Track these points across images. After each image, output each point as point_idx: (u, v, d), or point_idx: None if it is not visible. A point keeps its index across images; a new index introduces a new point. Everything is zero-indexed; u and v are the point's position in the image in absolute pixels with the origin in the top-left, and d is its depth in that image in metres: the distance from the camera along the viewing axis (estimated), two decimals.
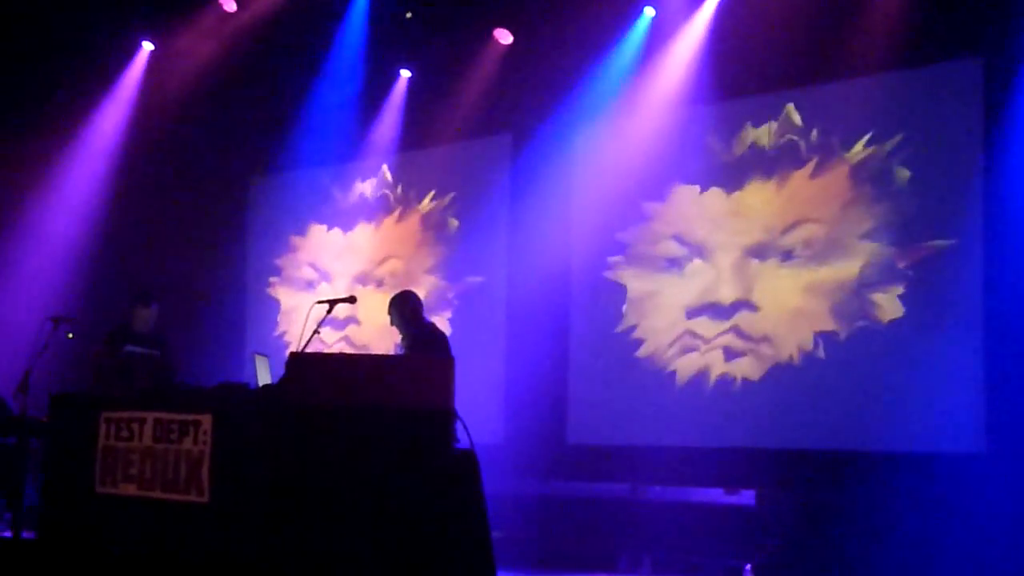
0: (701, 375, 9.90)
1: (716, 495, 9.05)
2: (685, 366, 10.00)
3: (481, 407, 10.03)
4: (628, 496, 9.42)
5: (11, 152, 11.66)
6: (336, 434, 5.85)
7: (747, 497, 8.91)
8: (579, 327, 10.76)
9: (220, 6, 11.20)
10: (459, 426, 5.80)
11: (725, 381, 9.76)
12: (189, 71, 11.69)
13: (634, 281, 10.40)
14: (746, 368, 9.67)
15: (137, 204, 12.50)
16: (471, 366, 9.83)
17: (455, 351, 7.48)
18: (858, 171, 9.28)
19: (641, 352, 10.27)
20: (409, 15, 10.99)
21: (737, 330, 9.75)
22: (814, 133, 9.54)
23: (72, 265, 12.08)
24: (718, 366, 9.81)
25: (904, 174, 9.07)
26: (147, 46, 11.98)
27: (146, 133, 12.31)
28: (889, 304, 9.04)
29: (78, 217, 12.25)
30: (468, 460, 5.72)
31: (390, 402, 5.77)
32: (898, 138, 9.13)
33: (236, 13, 11.22)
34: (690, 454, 9.67)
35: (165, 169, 12.65)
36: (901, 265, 9.00)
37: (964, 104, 8.89)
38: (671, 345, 10.11)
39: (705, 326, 9.92)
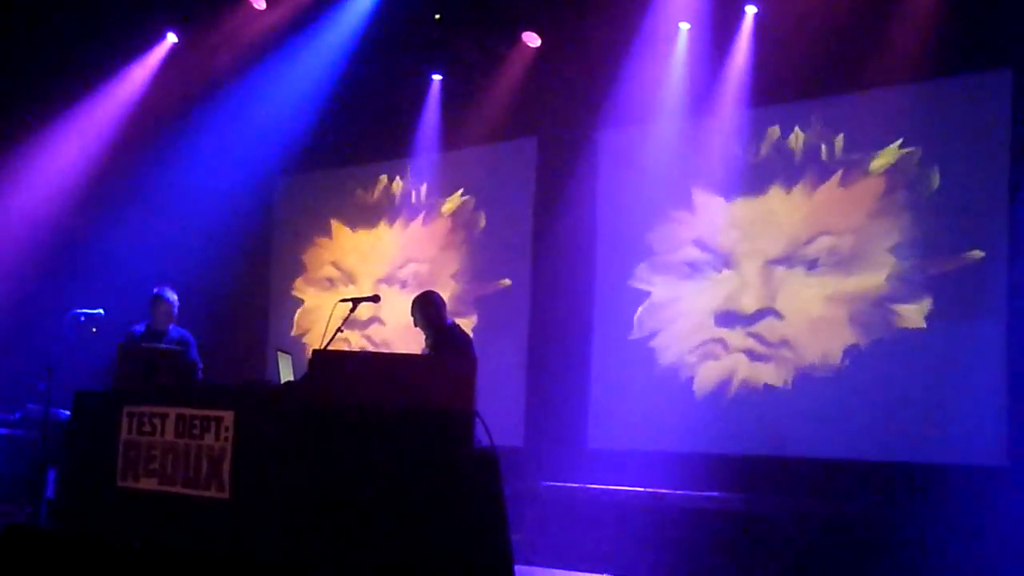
0: (722, 382, 9.89)
1: (736, 502, 9.01)
2: (706, 373, 9.99)
3: (502, 409, 10.06)
4: (647, 502, 9.39)
5: (23, 135, 11.73)
6: (357, 432, 5.86)
7: (767, 505, 8.88)
8: (601, 332, 10.75)
9: (250, 3, 11.23)
10: (480, 427, 5.79)
11: (746, 389, 9.75)
12: (217, 67, 11.71)
13: (657, 287, 10.40)
14: (767, 377, 9.66)
15: (159, 199, 12.53)
16: (493, 369, 9.88)
17: (478, 353, 7.48)
18: (885, 181, 9.26)
19: (662, 358, 10.27)
20: (437, 17, 10.98)
21: (759, 338, 9.74)
22: (842, 143, 9.52)
23: (92, 260, 12.12)
24: (739, 374, 9.81)
25: (931, 185, 9.05)
26: (171, 38, 12.01)
27: (170, 127, 12.34)
28: (913, 316, 9.02)
29: (93, 210, 12.29)
30: (488, 461, 5.72)
31: (412, 401, 5.78)
32: (926, 149, 9.10)
33: (265, 11, 11.24)
34: (710, 460, 9.65)
35: (190, 164, 12.67)
36: (926, 276, 8.98)
37: (993, 115, 8.85)
38: (693, 352, 10.10)
39: (727, 333, 9.92)
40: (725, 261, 10.02)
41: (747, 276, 9.88)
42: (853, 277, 9.33)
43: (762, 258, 9.81)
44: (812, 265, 9.55)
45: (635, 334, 10.49)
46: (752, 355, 9.77)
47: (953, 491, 8.35)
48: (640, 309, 10.48)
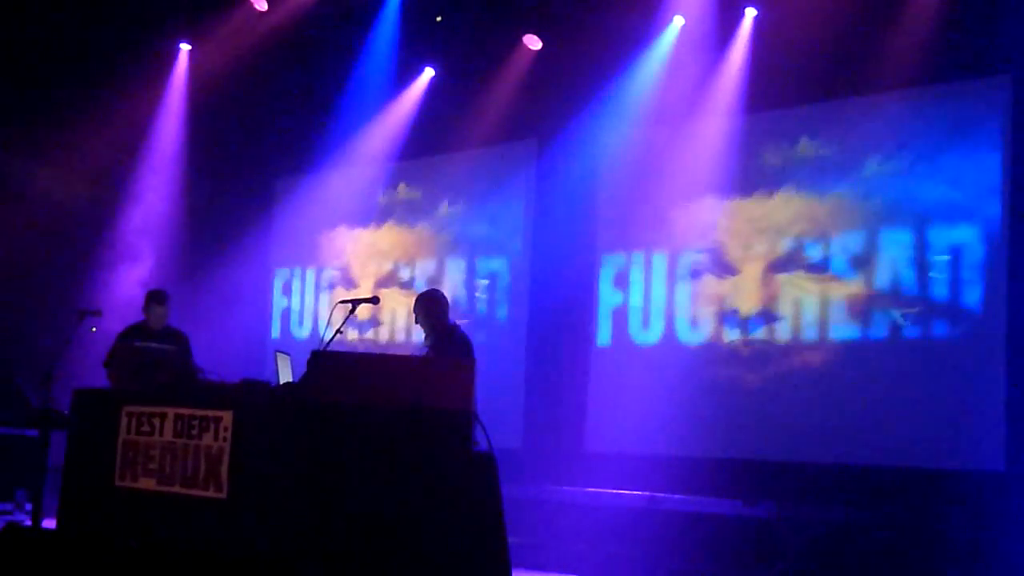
0: (721, 385, 9.89)
1: (734, 507, 9.02)
2: (705, 376, 10.00)
3: (501, 412, 10.06)
4: (645, 505, 9.39)
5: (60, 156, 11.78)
6: (356, 433, 5.85)
7: (765, 510, 8.88)
8: (601, 335, 10.76)
9: (251, 5, 11.24)
10: (478, 429, 5.79)
11: (745, 392, 9.76)
12: (218, 70, 11.73)
13: (658, 289, 10.40)
14: (766, 380, 9.67)
15: (163, 201, 12.59)
16: (492, 370, 9.89)
17: (476, 355, 7.48)
18: (883, 186, 9.27)
19: (662, 360, 10.27)
20: (439, 19, 11.00)
21: (759, 341, 9.75)
22: (841, 147, 9.53)
23: (100, 259, 12.18)
24: (738, 377, 9.81)
25: (929, 189, 9.06)
26: (185, 47, 12.08)
27: (175, 131, 12.39)
28: (912, 321, 9.03)
29: (95, 213, 12.36)
30: (487, 463, 5.71)
31: (411, 402, 5.77)
32: (924, 153, 9.12)
33: (267, 13, 11.26)
34: (708, 465, 9.66)
35: (192, 167, 12.71)
36: (925, 282, 8.99)
37: (992, 120, 8.87)
38: (692, 354, 10.11)
39: (727, 336, 9.93)
40: (725, 264, 10.03)
41: (747, 279, 9.89)
42: (852, 282, 9.34)
43: (762, 261, 9.83)
44: (812, 269, 9.56)
45: (635, 336, 10.50)
46: (752, 358, 9.78)
47: (951, 496, 8.37)
48: (640, 311, 10.49)
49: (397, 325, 11.96)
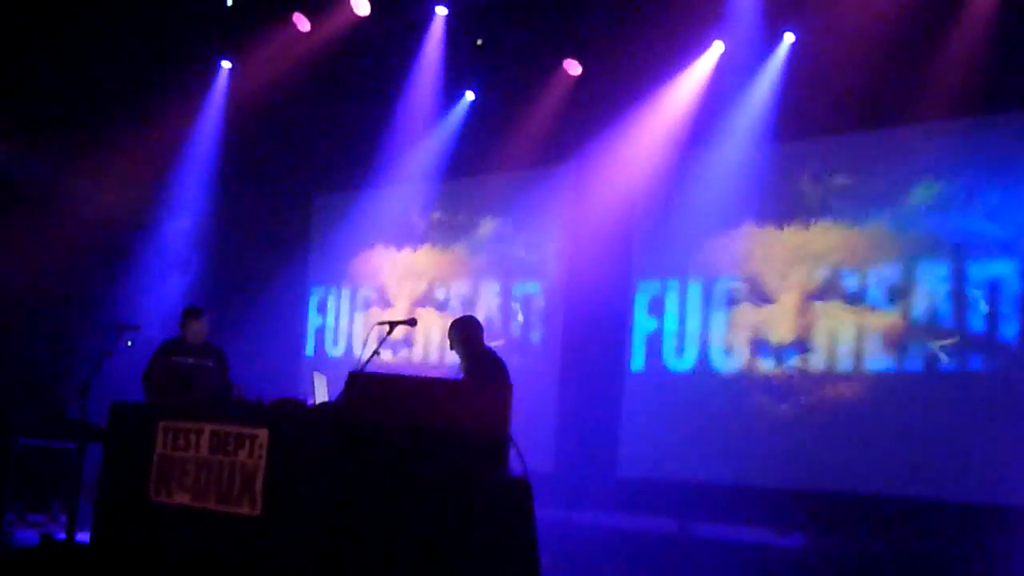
0: (755, 413, 9.86)
1: (765, 535, 8.98)
2: (740, 403, 9.97)
3: (533, 435, 10.04)
4: (676, 532, 9.37)
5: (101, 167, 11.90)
6: (391, 454, 5.87)
7: (796, 539, 8.84)
8: (634, 360, 10.75)
9: (294, 26, 11.32)
10: (513, 453, 5.81)
11: (779, 420, 9.72)
12: (260, 89, 11.80)
13: (693, 315, 10.39)
14: (801, 409, 9.63)
15: (203, 216, 12.70)
16: (524, 393, 9.90)
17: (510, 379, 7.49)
18: (925, 216, 9.23)
19: (695, 386, 10.25)
20: (479, 43, 11.05)
21: (795, 369, 9.71)
22: (880, 177, 9.50)
23: (140, 272, 12.30)
24: (773, 404, 9.78)
25: (972, 222, 9.01)
26: (226, 65, 12.18)
27: (214, 147, 12.49)
28: (950, 351, 8.97)
29: (147, 224, 12.48)
30: (521, 487, 5.72)
31: (447, 425, 5.79)
32: (968, 185, 9.08)
33: (309, 33, 11.34)
34: (740, 492, 9.62)
35: (231, 184, 12.79)
36: (963, 313, 8.94)
37: None
38: (727, 381, 10.08)
39: (763, 364, 9.90)
40: (761, 292, 10.01)
41: (784, 307, 9.86)
42: (888, 313, 9.30)
43: (798, 290, 9.80)
44: (848, 299, 9.53)
45: (668, 362, 10.48)
46: (785, 387, 9.74)
47: (982, 530, 8.29)
48: (674, 338, 10.47)
49: (431, 346, 11.98)
